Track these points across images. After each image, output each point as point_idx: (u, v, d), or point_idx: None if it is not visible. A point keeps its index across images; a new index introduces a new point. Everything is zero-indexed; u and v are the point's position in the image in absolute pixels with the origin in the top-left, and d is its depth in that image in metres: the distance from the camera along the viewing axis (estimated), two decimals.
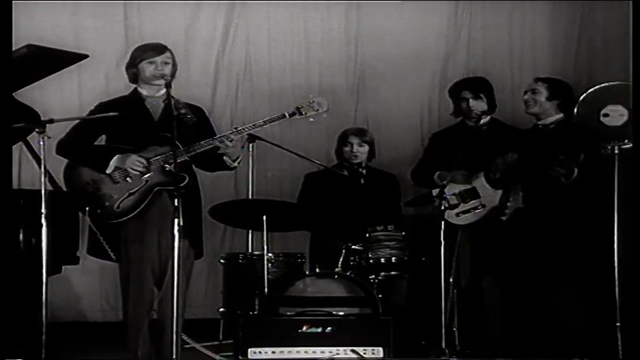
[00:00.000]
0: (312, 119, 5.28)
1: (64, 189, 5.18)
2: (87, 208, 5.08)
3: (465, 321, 5.74)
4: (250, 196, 6.40)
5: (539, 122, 5.75)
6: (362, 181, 6.27)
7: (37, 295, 4.71)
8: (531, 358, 5.44)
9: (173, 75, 5.23)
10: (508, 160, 5.67)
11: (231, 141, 5.11)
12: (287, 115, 5.22)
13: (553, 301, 5.55)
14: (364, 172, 6.29)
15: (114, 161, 5.10)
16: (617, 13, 7.20)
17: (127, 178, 5.09)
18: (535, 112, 5.73)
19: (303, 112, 5.23)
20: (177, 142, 4.93)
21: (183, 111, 5.19)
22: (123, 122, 5.12)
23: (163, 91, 5.20)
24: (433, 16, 7.39)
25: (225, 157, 5.21)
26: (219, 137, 5.12)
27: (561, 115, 5.71)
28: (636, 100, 5.37)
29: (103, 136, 5.31)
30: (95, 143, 5.30)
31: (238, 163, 5.30)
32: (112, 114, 5.07)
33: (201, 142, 5.10)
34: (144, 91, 5.27)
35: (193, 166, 5.32)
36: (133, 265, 5.13)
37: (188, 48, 7.18)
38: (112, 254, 5.15)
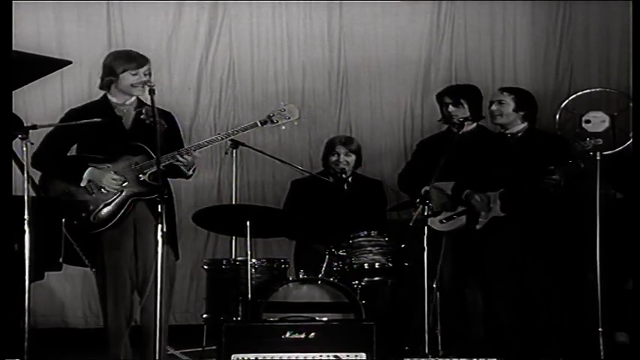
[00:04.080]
0: (284, 127, 5.31)
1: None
2: (63, 220, 5.02)
3: (447, 325, 5.75)
4: (234, 202, 6.39)
5: (507, 132, 5.83)
6: (345, 188, 6.28)
7: (19, 302, 4.68)
8: None
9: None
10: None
11: (189, 155, 5.09)
12: (259, 123, 5.23)
13: (534, 304, 5.58)
14: (349, 179, 6.30)
15: (87, 174, 5.09)
16: (597, 14, 7.27)
17: (102, 190, 5.09)
18: (501, 122, 5.83)
19: (275, 120, 5.23)
20: (150, 152, 5.00)
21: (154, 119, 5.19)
22: (95, 130, 5.10)
23: (133, 99, 5.24)
24: (415, 20, 7.39)
25: (181, 166, 5.18)
26: (182, 151, 5.09)
27: (525, 124, 5.80)
28: (636, 101, 5.41)
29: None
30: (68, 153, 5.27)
31: (193, 171, 5.27)
32: (95, 120, 5.05)
33: (167, 155, 5.06)
34: (113, 99, 5.25)
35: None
36: (110, 272, 5.14)
37: (171, 53, 7.16)
38: (88, 263, 5.14)
